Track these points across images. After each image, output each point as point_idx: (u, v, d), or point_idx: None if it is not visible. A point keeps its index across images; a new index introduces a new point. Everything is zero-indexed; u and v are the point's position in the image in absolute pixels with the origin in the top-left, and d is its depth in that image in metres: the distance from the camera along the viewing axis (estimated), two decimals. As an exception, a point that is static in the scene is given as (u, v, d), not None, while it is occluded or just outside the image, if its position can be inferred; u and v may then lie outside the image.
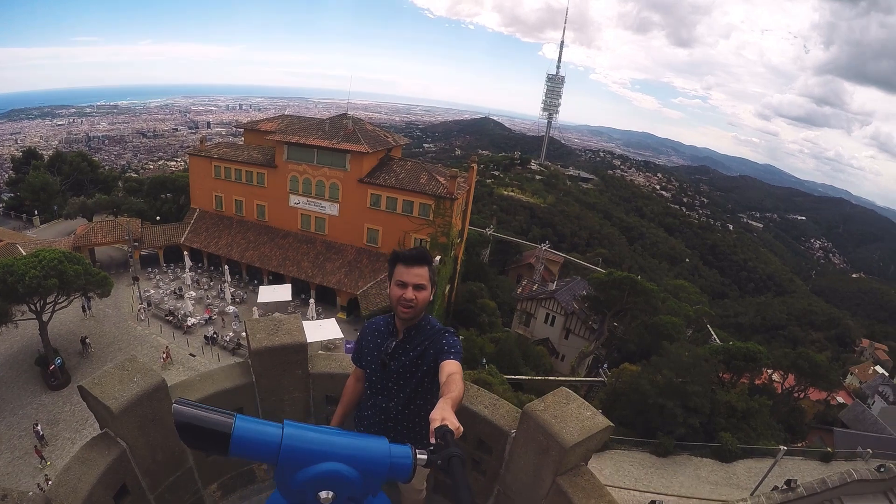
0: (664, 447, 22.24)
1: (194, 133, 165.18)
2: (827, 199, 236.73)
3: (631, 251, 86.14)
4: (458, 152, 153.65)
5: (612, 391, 26.42)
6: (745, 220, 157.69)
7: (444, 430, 1.57)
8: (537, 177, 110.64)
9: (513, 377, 28.50)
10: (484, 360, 29.20)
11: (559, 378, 31.09)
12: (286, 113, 73.83)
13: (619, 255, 76.90)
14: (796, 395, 36.22)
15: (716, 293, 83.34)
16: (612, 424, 2.89)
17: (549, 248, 56.38)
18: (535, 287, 48.14)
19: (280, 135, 32.48)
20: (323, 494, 1.55)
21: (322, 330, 24.22)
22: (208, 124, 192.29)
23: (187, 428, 1.41)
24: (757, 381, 34.48)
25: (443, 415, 1.68)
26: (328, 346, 24.84)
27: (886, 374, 58.09)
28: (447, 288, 34.63)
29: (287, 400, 3.42)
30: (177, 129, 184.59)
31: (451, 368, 2.27)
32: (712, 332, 48.54)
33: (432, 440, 1.57)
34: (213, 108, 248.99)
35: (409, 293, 2.41)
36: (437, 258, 30.37)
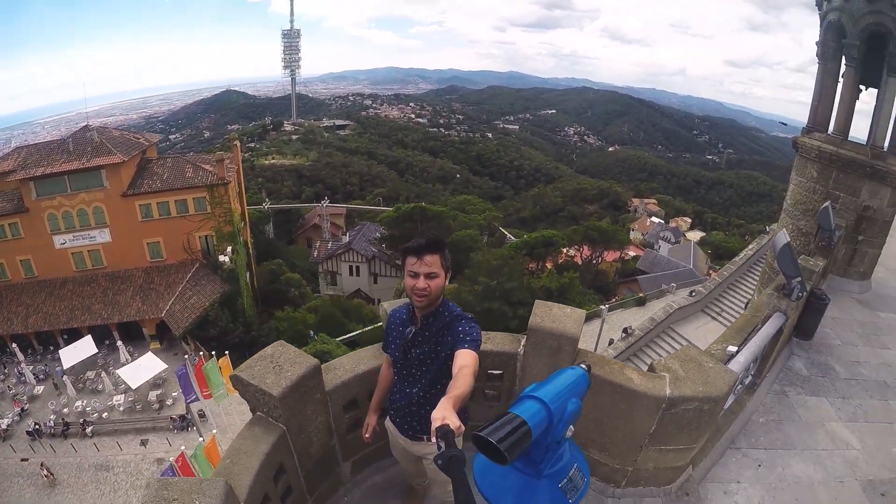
0: (507, 342, 31.76)
1: None
2: (571, 89, 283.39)
3: (405, 182, 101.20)
4: (207, 135, 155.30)
5: None
6: (501, 126, 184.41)
7: (444, 430, 1.83)
8: (294, 137, 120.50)
9: (344, 337, 32.93)
10: (312, 333, 32.83)
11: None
12: (16, 146, 72.84)
13: (396, 189, 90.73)
14: (595, 261, 47.34)
15: (493, 197, 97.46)
16: (585, 310, 4.33)
17: (329, 203, 64.14)
18: (330, 245, 53.40)
19: (21, 172, 30.77)
20: (568, 432, 2.02)
21: (143, 370, 25.40)
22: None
23: (513, 449, 1.76)
24: (560, 261, 44.21)
25: (444, 414, 1.95)
26: (157, 382, 26.61)
27: (662, 222, 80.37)
28: (247, 275, 36.55)
29: (313, 431, 3.85)
30: None
31: (462, 360, 2.61)
32: (506, 233, 59.39)
33: (433, 440, 1.83)
34: None
35: (421, 282, 2.82)
36: (229, 249, 33.96)
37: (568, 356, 4.25)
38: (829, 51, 11.02)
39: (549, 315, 4.40)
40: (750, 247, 30.79)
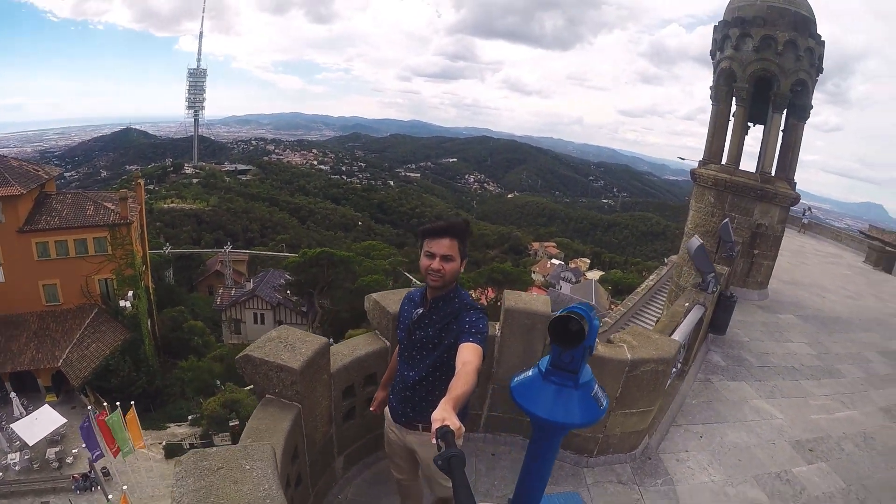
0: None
1: None
2: (472, 138, 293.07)
3: (306, 230, 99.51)
4: (104, 174, 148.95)
5: None
6: (403, 173, 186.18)
7: (444, 431, 1.81)
8: (194, 180, 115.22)
9: (252, 386, 37.46)
10: (218, 383, 31.54)
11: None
12: None
13: (298, 236, 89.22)
14: (500, 303, 54.49)
15: (396, 244, 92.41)
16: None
17: (231, 249, 62.21)
18: (233, 292, 51.53)
19: None
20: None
21: (40, 425, 23.35)
22: None
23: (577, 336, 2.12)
24: None
25: (444, 415, 1.92)
26: (55, 438, 24.14)
27: (562, 263, 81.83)
28: (149, 323, 34.86)
29: (319, 415, 3.83)
30: None
31: (466, 356, 2.53)
32: (411, 277, 57.81)
33: (433, 440, 1.82)
34: None
35: (436, 263, 2.76)
36: (130, 293, 31.99)
37: (540, 333, 4.71)
38: (721, 93, 12.70)
39: (520, 299, 4.97)
40: (651, 278, 32.64)
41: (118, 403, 20.47)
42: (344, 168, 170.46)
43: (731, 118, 12.77)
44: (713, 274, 8.70)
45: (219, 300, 52.36)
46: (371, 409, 3.71)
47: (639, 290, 33.03)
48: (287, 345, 3.55)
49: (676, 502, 5.07)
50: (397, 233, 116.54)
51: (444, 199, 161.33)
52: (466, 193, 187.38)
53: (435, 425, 1.88)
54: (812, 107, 12.32)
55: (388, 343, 4.52)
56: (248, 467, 2.38)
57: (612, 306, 46.50)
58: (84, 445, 20.72)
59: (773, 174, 12.57)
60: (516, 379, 2.65)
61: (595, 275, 73.84)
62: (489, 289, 46.51)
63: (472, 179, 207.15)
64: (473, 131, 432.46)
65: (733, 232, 11.52)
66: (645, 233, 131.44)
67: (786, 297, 13.92)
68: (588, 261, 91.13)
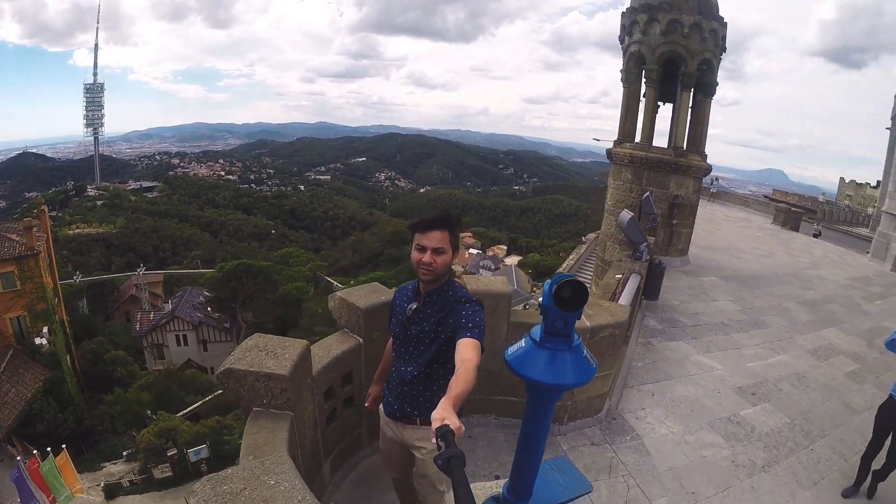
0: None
1: None
2: (380, 136, 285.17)
3: (220, 243, 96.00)
4: (2, 204, 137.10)
5: None
6: (313, 177, 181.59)
7: (444, 431, 1.81)
8: (99, 202, 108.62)
9: (186, 411, 31.24)
10: (149, 413, 30.29)
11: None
12: None
13: (212, 250, 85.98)
14: None
15: (312, 249, 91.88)
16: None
17: (145, 271, 59.04)
18: (152, 316, 49.09)
19: None
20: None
21: None
22: None
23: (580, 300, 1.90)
24: None
25: (443, 415, 1.92)
26: None
27: (480, 252, 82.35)
28: (68, 358, 32.99)
29: (307, 420, 3.70)
30: None
31: (464, 353, 2.50)
32: (332, 281, 58.15)
33: (433, 440, 1.80)
34: None
35: (427, 257, 2.76)
36: (45, 329, 30.06)
37: (504, 313, 4.88)
38: (631, 76, 13.39)
39: (481, 282, 5.20)
40: (571, 257, 33.78)
41: (48, 449, 19.38)
42: (252, 176, 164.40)
43: (642, 98, 13.45)
44: (645, 243, 9.29)
45: (138, 326, 49.55)
46: (366, 404, 3.70)
47: (560, 270, 34.25)
48: (268, 352, 3.41)
49: (647, 454, 5.46)
50: (312, 238, 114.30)
51: (357, 199, 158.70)
52: (378, 192, 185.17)
53: (435, 425, 1.87)
54: (717, 84, 13.21)
55: (360, 339, 4.46)
56: (272, 482, 2.32)
57: (535, 289, 47.59)
58: (18, 500, 19.57)
59: (685, 148, 13.35)
60: (510, 352, 2.78)
61: (514, 260, 75.00)
62: (412, 284, 47.18)
63: (383, 177, 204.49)
64: (381, 129, 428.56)
65: (654, 204, 12.22)
66: (557, 215, 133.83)
67: (705, 261, 14.88)
68: (505, 247, 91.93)
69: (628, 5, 12.77)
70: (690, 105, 13.03)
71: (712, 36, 11.93)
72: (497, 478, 3.22)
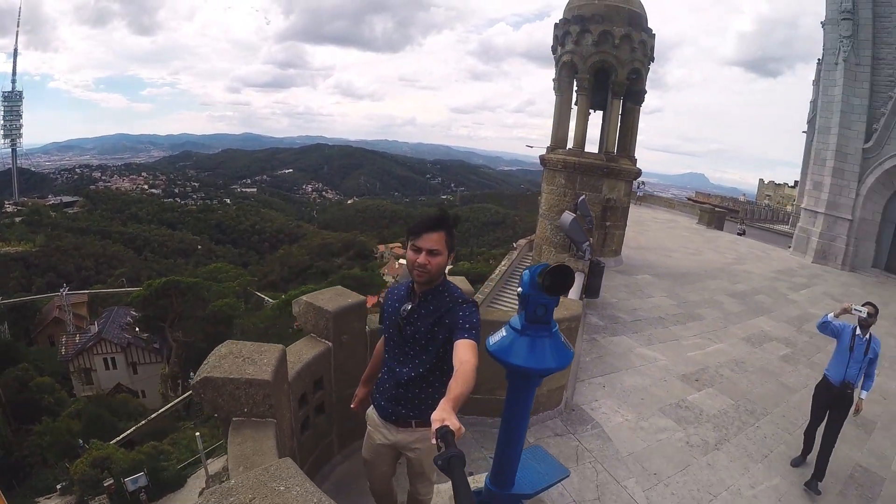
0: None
1: None
2: (307, 147, 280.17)
3: (144, 260, 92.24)
4: None
5: None
6: (239, 190, 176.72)
7: (444, 431, 1.82)
8: (17, 219, 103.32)
9: (120, 438, 29.83)
10: (81, 442, 29.02)
11: (162, 411, 32.99)
12: None
13: (137, 268, 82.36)
14: None
15: (240, 264, 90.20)
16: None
17: (68, 292, 56.29)
18: (77, 339, 46.83)
19: None
20: None
21: None
22: None
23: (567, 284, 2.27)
24: None
25: (443, 416, 1.92)
26: None
27: None
28: None
29: (285, 429, 3.55)
30: None
31: (463, 354, 2.50)
32: (263, 296, 56.73)
33: (433, 441, 1.82)
34: None
35: (422, 258, 2.73)
36: None
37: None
38: (564, 85, 13.85)
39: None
40: (503, 263, 34.15)
41: (-21, 489, 18.40)
42: (177, 190, 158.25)
43: (574, 106, 13.93)
44: (588, 243, 9.66)
45: (63, 350, 46.67)
46: (352, 406, 3.56)
47: (493, 276, 34.45)
48: (245, 358, 3.27)
49: (609, 440, 5.72)
50: (239, 252, 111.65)
51: (284, 212, 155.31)
52: (306, 204, 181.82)
53: (435, 426, 1.88)
54: (646, 91, 13.85)
55: (329, 343, 4.35)
56: (283, 488, 2.19)
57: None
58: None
59: (616, 153, 13.91)
60: (492, 342, 2.70)
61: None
62: (343, 298, 46.56)
63: (310, 189, 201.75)
64: (308, 140, 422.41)
65: (589, 207, 12.71)
66: (486, 223, 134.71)
67: (638, 261, 15.50)
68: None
69: (561, 17, 13.21)
70: (620, 112, 13.56)
71: (641, 46, 12.52)
72: (471, 474, 3.28)
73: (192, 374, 33.27)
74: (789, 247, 22.95)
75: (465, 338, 2.59)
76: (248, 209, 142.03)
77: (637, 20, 12.45)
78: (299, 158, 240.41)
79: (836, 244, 20.80)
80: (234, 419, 3.13)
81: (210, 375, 3.08)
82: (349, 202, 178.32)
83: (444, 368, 2.69)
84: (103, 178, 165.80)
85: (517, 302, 2.66)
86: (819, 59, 31.82)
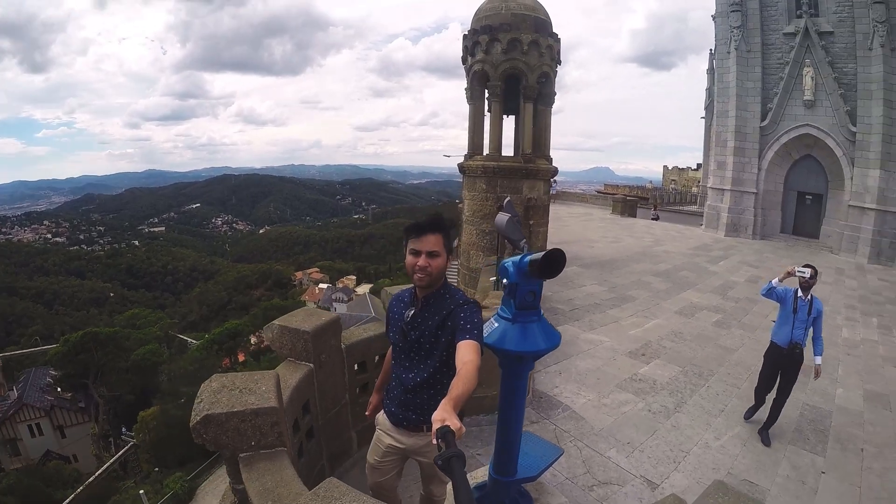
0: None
1: None
2: (212, 179, 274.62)
3: (56, 315, 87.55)
4: None
5: (157, 442, 26.05)
6: (146, 230, 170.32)
7: (445, 431, 1.82)
8: None
9: None
10: None
11: (99, 473, 31.17)
12: None
13: (49, 324, 77.85)
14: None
15: (157, 307, 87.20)
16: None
17: None
18: None
19: None
20: None
21: None
22: None
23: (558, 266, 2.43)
24: (251, 349, 42.87)
25: (444, 416, 1.91)
26: None
27: (331, 285, 79.94)
28: None
29: (292, 457, 3.21)
30: None
31: (465, 355, 2.47)
32: (186, 338, 54.64)
33: (434, 441, 1.82)
34: None
35: (423, 260, 2.72)
36: None
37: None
38: (476, 93, 14.24)
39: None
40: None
41: None
42: (82, 236, 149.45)
43: (487, 113, 14.34)
44: (524, 240, 10.00)
45: None
46: (366, 413, 3.59)
47: (420, 285, 35.12)
48: (241, 389, 3.11)
49: (582, 419, 6.03)
50: (154, 296, 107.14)
51: (195, 248, 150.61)
52: (217, 238, 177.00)
53: (435, 426, 1.88)
54: (556, 93, 14.42)
55: (311, 365, 4.23)
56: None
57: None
58: None
59: (531, 153, 14.40)
60: (486, 334, 2.83)
61: (365, 288, 73.84)
62: (269, 331, 45.25)
63: (219, 222, 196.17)
64: (213, 171, 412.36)
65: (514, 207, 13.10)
66: (400, 238, 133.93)
67: (561, 256, 16.14)
68: (354, 277, 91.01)
69: (469, 28, 13.58)
70: (533, 115, 14.04)
71: (549, 51, 13.07)
72: (496, 440, 3.33)
73: (123, 429, 32.41)
74: (701, 225, 24.70)
75: (468, 339, 2.57)
76: (158, 249, 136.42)
77: (543, 26, 13.00)
78: (206, 192, 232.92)
79: (744, 216, 22.76)
80: (240, 456, 2.95)
81: (211, 413, 2.89)
82: (261, 231, 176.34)
83: (450, 371, 2.59)
84: (3, 230, 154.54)
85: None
86: (711, 50, 34.57)
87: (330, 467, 4.57)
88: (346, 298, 67.78)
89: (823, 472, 5.34)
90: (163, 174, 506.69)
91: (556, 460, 3.93)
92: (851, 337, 9.82)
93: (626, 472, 5.02)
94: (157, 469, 23.30)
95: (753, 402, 6.21)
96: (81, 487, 28.76)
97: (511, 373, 2.93)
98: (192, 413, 2.91)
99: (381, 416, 3.22)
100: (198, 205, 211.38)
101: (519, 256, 2.75)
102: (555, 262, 2.46)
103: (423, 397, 2.91)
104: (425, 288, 2.84)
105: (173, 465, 22.02)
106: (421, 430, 2.98)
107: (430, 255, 2.73)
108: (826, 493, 4.96)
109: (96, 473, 30.24)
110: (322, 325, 4.33)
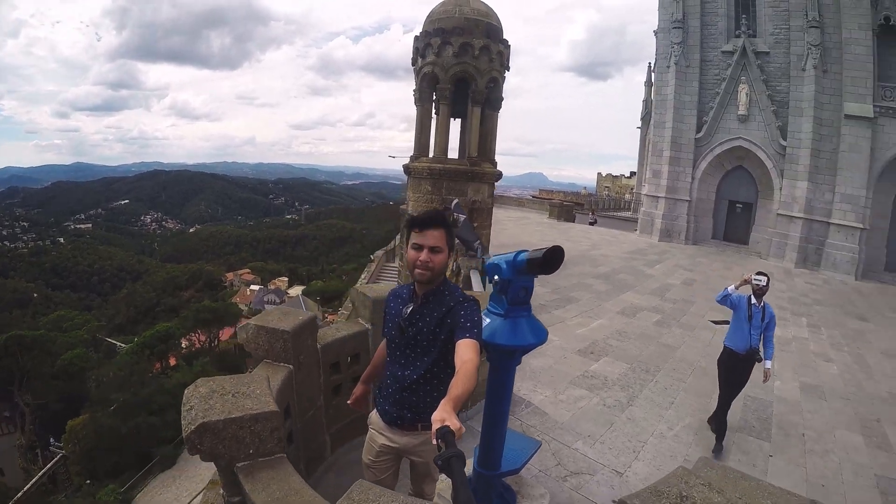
0: (172, 455, 20.26)
1: None
2: (143, 174, 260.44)
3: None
4: None
5: (88, 452, 24.70)
6: (72, 227, 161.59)
7: (444, 431, 1.81)
8: None
9: None
10: None
11: (28, 487, 27.59)
12: None
13: (-32, 330, 74.52)
14: (214, 343, 45.24)
15: (83, 309, 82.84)
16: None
17: None
18: None
19: None
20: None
21: None
22: None
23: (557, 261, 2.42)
24: (183, 352, 41.54)
25: (443, 416, 1.90)
26: None
27: (262, 287, 77.72)
28: None
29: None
30: None
31: (464, 354, 2.41)
32: (115, 342, 52.58)
33: (434, 441, 1.81)
34: None
35: (425, 255, 2.66)
36: None
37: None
38: (424, 95, 14.34)
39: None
40: (363, 276, 33.88)
41: None
42: (4, 232, 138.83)
43: (434, 115, 14.42)
44: (478, 241, 10.16)
45: None
46: (349, 402, 3.48)
47: (356, 287, 34.48)
48: (234, 393, 2.91)
49: (546, 414, 6.26)
50: (80, 297, 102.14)
51: (123, 247, 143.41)
52: (146, 236, 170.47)
53: (435, 426, 1.86)
54: (503, 98, 14.64)
55: (290, 366, 4.04)
56: None
57: (328, 315, 46.75)
58: None
59: (477, 156, 14.57)
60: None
61: (297, 290, 72.34)
62: (199, 331, 43.69)
63: (148, 220, 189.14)
64: (143, 166, 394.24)
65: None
66: (333, 239, 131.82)
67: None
68: (286, 279, 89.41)
69: (421, 30, 13.64)
70: (480, 118, 14.20)
71: (499, 57, 13.29)
72: (482, 433, 3.36)
73: (52, 440, 30.52)
74: (636, 230, 25.59)
75: (467, 337, 2.51)
76: (85, 248, 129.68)
77: (495, 32, 13.21)
78: (135, 187, 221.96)
79: (678, 223, 23.91)
80: (237, 465, 2.74)
81: (207, 421, 2.65)
82: (191, 230, 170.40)
83: (447, 369, 2.59)
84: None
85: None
86: (650, 63, 35.95)
87: (307, 470, 4.40)
88: (278, 300, 66.37)
89: (771, 456, 5.80)
90: (91, 168, 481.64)
91: (535, 452, 4.03)
92: (783, 335, 10.49)
93: (595, 462, 5.27)
94: (88, 482, 22.04)
95: (714, 433, 6.00)
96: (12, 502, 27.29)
97: (500, 367, 2.92)
98: (183, 422, 2.68)
99: (374, 416, 3.15)
100: (127, 201, 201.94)
101: (512, 254, 2.75)
102: (555, 258, 2.50)
103: (419, 394, 2.85)
104: (425, 284, 2.78)
105: (105, 477, 21.28)
106: (416, 429, 2.94)
107: (433, 250, 2.67)
108: (776, 473, 5.42)
109: (25, 488, 27.81)
110: (301, 324, 4.19)
